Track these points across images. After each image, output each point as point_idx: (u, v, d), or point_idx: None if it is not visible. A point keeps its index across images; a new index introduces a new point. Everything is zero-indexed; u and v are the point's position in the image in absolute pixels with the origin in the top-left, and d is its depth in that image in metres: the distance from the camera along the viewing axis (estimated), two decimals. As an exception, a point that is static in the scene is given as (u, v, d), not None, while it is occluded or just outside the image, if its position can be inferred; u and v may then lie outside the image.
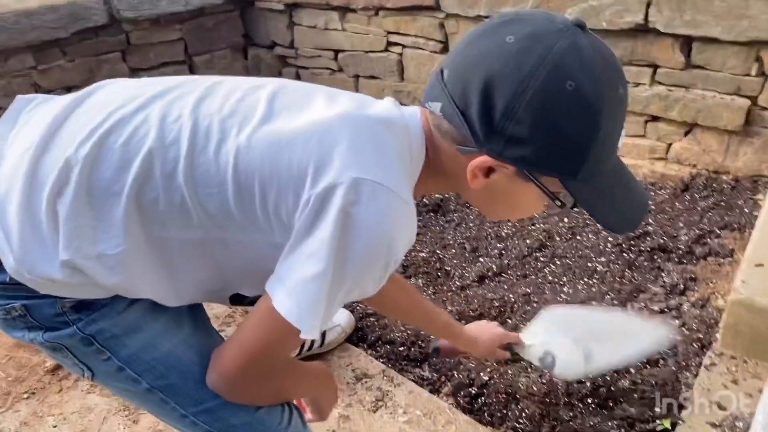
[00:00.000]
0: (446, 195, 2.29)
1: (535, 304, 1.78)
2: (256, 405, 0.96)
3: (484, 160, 0.81)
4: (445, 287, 1.88)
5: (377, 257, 0.81)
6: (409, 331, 1.71)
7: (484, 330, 1.43)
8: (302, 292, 0.80)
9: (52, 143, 0.86)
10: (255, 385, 0.92)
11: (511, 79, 0.76)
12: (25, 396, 1.93)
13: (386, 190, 0.80)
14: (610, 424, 1.43)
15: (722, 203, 2.08)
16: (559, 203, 0.84)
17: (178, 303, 0.97)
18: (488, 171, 0.83)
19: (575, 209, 0.85)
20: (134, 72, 2.77)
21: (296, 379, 1.02)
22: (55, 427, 1.83)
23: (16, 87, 2.62)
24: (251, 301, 0.96)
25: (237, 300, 1.03)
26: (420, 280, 1.92)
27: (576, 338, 1.39)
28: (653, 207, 2.13)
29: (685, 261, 1.88)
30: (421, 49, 2.56)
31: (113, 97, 0.89)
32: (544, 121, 0.76)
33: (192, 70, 2.86)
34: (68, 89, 2.71)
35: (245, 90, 0.90)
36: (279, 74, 3.00)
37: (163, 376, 0.94)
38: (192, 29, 2.78)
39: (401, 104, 0.94)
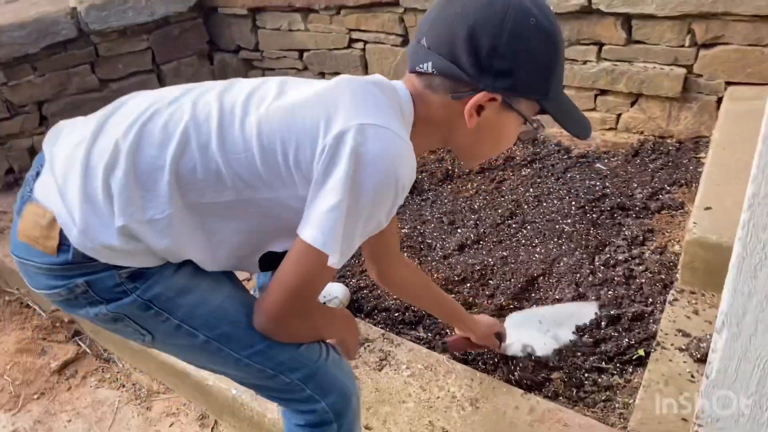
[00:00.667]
0: (419, 176, 2.44)
1: (512, 265, 1.95)
2: (298, 342, 1.10)
3: (479, 96, 0.99)
4: (429, 257, 2.04)
5: (387, 189, 0.96)
6: (401, 299, 1.85)
7: (483, 318, 1.64)
8: (323, 221, 0.95)
9: (100, 135, 1.03)
10: (296, 321, 1.06)
11: (489, 25, 0.95)
12: (36, 397, 2.00)
13: (388, 131, 0.96)
14: (592, 359, 1.60)
15: (670, 163, 2.29)
16: (535, 125, 1.05)
17: (215, 267, 1.12)
18: (479, 109, 1.01)
19: (540, 132, 1.06)
20: (103, 83, 2.83)
21: (327, 319, 1.17)
22: (69, 421, 1.91)
23: (-12, 104, 2.66)
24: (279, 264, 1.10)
25: (267, 265, 1.17)
26: (405, 254, 2.07)
27: (541, 329, 1.73)
28: (609, 172, 2.33)
29: (641, 216, 2.08)
30: (382, 43, 2.71)
31: (146, 99, 1.07)
32: (520, 52, 0.97)
33: (160, 79, 2.94)
34: (39, 104, 2.76)
35: (257, 83, 1.08)
36: (245, 77, 3.10)
37: (216, 327, 1.07)
38: (158, 38, 2.86)
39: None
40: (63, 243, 1.01)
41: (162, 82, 2.95)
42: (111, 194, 0.99)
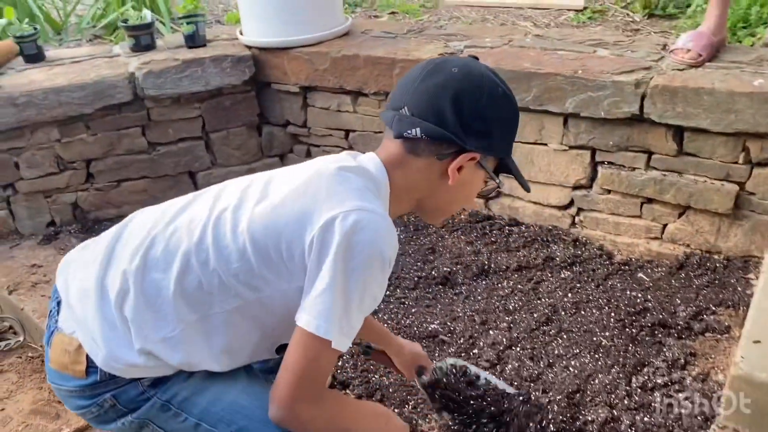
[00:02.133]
0: (453, 268, 2.39)
1: (543, 377, 1.86)
2: None
3: (463, 156, 1.12)
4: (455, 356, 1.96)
5: (375, 266, 1.04)
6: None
7: (412, 347, 1.65)
8: (317, 305, 1.01)
9: (109, 265, 1.14)
10: (309, 408, 1.06)
11: (470, 94, 1.11)
12: (46, 462, 1.95)
13: (369, 213, 1.04)
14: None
15: (716, 281, 2.20)
16: (498, 182, 1.21)
17: (233, 366, 1.18)
18: (459, 168, 1.14)
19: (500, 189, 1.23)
20: (152, 146, 2.89)
21: (352, 412, 1.17)
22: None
23: (39, 159, 2.73)
24: None
25: (279, 349, 1.22)
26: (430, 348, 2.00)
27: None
28: (651, 284, 2.25)
29: (684, 336, 1.98)
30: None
31: (146, 220, 1.18)
32: (495, 116, 1.13)
33: (208, 146, 2.98)
34: (88, 161, 2.82)
35: (245, 185, 1.18)
36: (290, 150, 3.14)
37: (233, 422, 1.13)
38: (210, 108, 2.92)
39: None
40: (90, 365, 1.12)
41: (209, 149, 3.00)
42: (126, 319, 1.10)
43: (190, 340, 1.10)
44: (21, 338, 2.38)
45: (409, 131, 1.11)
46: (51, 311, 1.21)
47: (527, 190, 1.28)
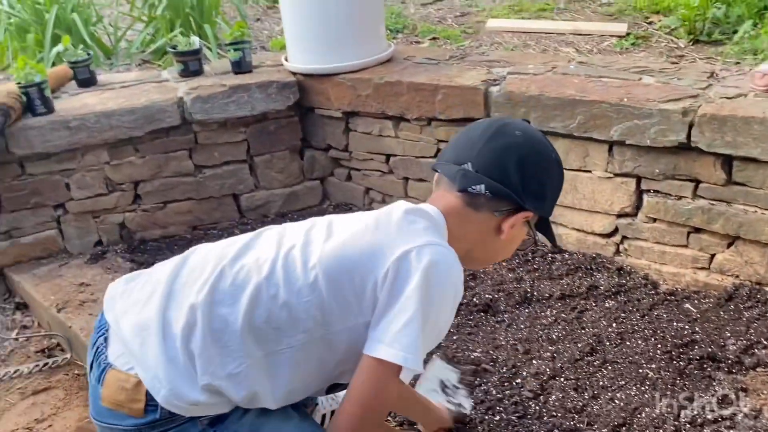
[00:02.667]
0: (495, 295, 2.37)
1: (588, 409, 1.83)
2: None
3: (522, 214, 1.21)
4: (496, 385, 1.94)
5: (449, 297, 1.11)
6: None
7: (438, 409, 1.66)
8: (403, 337, 1.04)
9: (172, 297, 1.13)
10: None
11: (532, 156, 1.21)
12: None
13: (441, 247, 1.11)
14: None
15: (767, 314, 2.14)
16: (536, 239, 1.28)
17: (289, 403, 1.19)
18: (512, 225, 1.21)
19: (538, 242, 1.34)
20: (198, 168, 2.95)
21: None
22: None
23: (89, 180, 2.81)
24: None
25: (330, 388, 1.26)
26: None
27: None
28: (699, 315, 2.20)
29: (734, 371, 1.93)
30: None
31: (209, 256, 1.19)
32: (549, 178, 1.24)
33: (251, 168, 3.03)
34: (136, 183, 2.90)
35: (308, 226, 1.21)
36: (331, 174, 3.18)
37: None
38: (255, 132, 2.97)
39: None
40: (149, 403, 1.10)
41: (253, 171, 3.05)
42: (192, 355, 1.10)
43: (255, 377, 1.11)
44: (68, 355, 2.43)
45: (474, 187, 1.19)
46: (98, 347, 1.19)
47: (556, 246, 1.42)
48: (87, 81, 3.02)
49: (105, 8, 4.29)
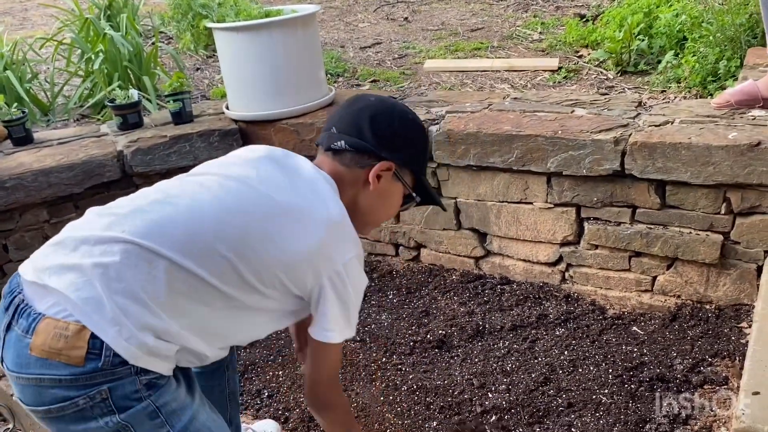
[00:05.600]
0: (449, 330, 2.39)
1: (547, 439, 1.84)
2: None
3: (380, 164, 1.35)
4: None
5: (361, 281, 1.36)
6: None
7: None
8: (339, 322, 1.32)
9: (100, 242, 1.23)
10: (337, 397, 1.47)
11: (384, 114, 1.39)
12: None
13: (352, 256, 1.31)
14: None
15: (710, 332, 2.21)
16: (414, 195, 1.45)
17: (220, 346, 1.33)
18: (378, 177, 1.35)
19: (419, 202, 1.48)
20: (141, 222, 2.89)
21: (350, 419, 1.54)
22: None
23: (28, 240, 2.73)
24: None
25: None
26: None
27: None
28: (646, 337, 2.25)
29: (683, 390, 1.98)
30: (415, 194, 2.75)
31: (160, 188, 1.44)
32: (404, 135, 1.40)
33: (197, 219, 3.00)
34: (77, 240, 2.81)
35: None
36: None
37: None
38: (198, 181, 2.95)
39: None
40: (91, 351, 1.09)
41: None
42: (136, 296, 1.14)
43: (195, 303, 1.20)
44: (10, 426, 2.32)
45: (336, 143, 1.36)
46: (17, 305, 1.15)
47: (444, 209, 1.64)
48: (23, 139, 2.94)
49: (40, 64, 4.22)
